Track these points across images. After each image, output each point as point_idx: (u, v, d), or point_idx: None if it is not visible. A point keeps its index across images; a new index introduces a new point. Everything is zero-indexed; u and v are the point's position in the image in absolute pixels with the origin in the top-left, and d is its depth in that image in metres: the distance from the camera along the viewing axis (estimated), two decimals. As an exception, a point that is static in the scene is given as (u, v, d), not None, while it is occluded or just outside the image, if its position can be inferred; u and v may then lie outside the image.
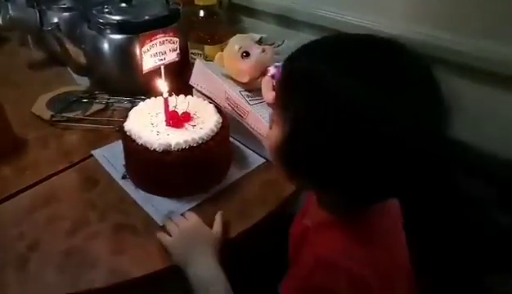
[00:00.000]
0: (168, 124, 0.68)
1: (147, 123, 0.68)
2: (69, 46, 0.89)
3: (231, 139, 0.78)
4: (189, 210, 0.65)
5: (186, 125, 0.68)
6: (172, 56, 0.65)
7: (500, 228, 0.45)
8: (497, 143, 0.57)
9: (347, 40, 0.43)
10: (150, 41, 0.61)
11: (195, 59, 0.89)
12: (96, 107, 0.90)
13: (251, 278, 0.64)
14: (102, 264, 0.56)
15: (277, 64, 0.74)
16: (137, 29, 0.82)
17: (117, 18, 0.85)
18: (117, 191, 0.68)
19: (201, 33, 0.90)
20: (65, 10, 1.00)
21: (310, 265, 0.44)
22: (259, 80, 0.76)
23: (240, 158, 0.77)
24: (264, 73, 0.75)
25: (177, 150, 0.63)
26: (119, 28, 0.84)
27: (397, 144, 0.37)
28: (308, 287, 0.43)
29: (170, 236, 0.59)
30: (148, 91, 0.74)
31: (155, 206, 0.65)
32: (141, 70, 0.63)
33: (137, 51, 0.62)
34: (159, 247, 0.59)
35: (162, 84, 0.65)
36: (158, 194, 0.67)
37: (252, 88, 0.78)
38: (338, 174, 0.40)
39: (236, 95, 0.77)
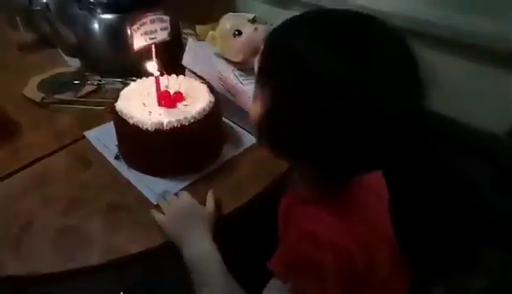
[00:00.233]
0: (160, 104, 0.67)
1: (139, 103, 0.68)
2: (59, 27, 0.88)
3: (224, 119, 0.78)
4: (182, 189, 0.65)
5: (179, 105, 0.68)
6: (163, 35, 0.65)
7: (491, 203, 0.45)
8: (486, 119, 0.58)
9: (327, 16, 0.43)
10: (140, 19, 0.60)
11: (187, 39, 0.88)
12: (87, 88, 0.89)
13: (245, 255, 0.65)
14: (98, 242, 0.57)
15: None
16: (128, 8, 0.81)
17: (107, -3, 0.84)
18: (110, 171, 0.69)
19: (193, 12, 0.89)
20: (54, -11, 0.98)
21: (295, 239, 0.45)
22: (252, 59, 0.76)
23: (233, 137, 0.77)
24: (257, 52, 0.74)
25: (169, 129, 0.63)
26: (109, 7, 0.83)
27: (374, 118, 0.38)
28: (295, 260, 0.44)
29: (164, 214, 0.60)
30: (140, 72, 0.74)
31: (149, 185, 0.66)
32: (132, 50, 0.62)
33: (128, 30, 0.61)
34: (153, 225, 0.59)
35: (153, 64, 0.64)
36: (151, 174, 0.67)
37: (245, 68, 0.78)
38: (317, 148, 0.41)
39: (229, 74, 0.76)
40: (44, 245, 0.56)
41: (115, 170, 0.69)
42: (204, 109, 0.66)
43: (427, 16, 0.75)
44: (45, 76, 0.93)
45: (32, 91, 0.88)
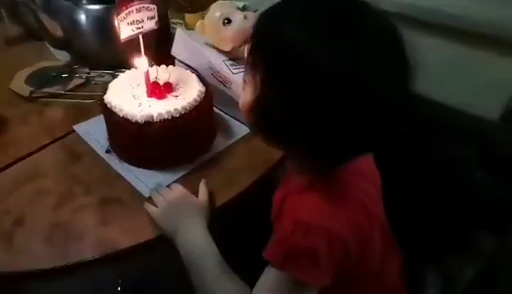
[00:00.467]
0: (149, 95, 0.66)
1: (128, 95, 0.67)
2: (45, 19, 0.86)
3: (215, 109, 0.77)
4: (175, 181, 0.65)
5: (169, 96, 0.67)
6: (150, 24, 0.63)
7: (479, 186, 0.46)
8: (477, 104, 0.58)
9: (316, 0, 0.43)
10: (126, 8, 0.59)
11: (175, 28, 0.87)
12: (76, 81, 0.87)
13: (239, 244, 0.66)
14: (90, 235, 0.57)
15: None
16: (114, -2, 0.79)
17: (92, -13, 0.82)
18: (101, 165, 0.68)
19: (182, 0, 0.87)
20: (38, -20, 0.96)
21: (289, 228, 0.45)
22: (242, 48, 0.75)
23: (225, 127, 0.76)
24: (247, 40, 0.73)
25: (160, 121, 0.62)
26: (94, -3, 0.81)
27: (362, 100, 0.38)
28: (289, 248, 0.44)
29: (157, 207, 0.59)
30: (128, 63, 0.72)
31: (141, 178, 0.65)
32: (119, 40, 0.61)
33: (114, 21, 0.60)
34: (146, 218, 0.59)
35: (141, 54, 0.63)
36: (142, 167, 0.67)
37: (235, 57, 0.77)
38: (307, 131, 0.41)
39: (219, 64, 0.75)
40: (36, 240, 0.56)
41: (106, 163, 0.68)
42: (194, 100, 0.66)
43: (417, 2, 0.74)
44: (32, 70, 0.91)
45: (19, 85, 0.86)
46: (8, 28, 1.10)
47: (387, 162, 0.43)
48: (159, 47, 0.82)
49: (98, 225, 0.58)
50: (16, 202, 0.61)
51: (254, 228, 0.72)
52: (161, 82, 0.68)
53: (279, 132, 0.45)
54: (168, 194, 0.61)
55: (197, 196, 0.61)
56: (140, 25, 0.62)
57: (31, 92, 0.83)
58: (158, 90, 0.67)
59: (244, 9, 0.78)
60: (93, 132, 0.73)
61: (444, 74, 0.70)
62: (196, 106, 0.66)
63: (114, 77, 0.73)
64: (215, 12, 0.74)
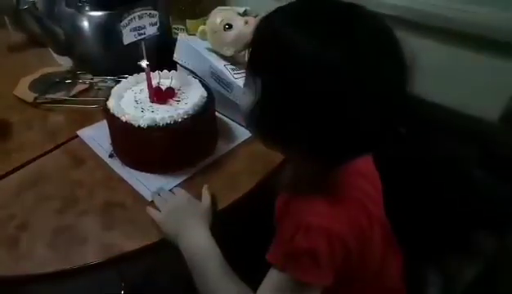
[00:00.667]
0: (152, 100, 0.67)
1: (131, 100, 0.68)
2: (48, 26, 0.87)
3: (217, 113, 0.77)
4: (177, 185, 0.65)
5: (171, 100, 0.68)
6: (152, 30, 0.64)
7: (480, 186, 0.46)
8: (477, 106, 0.59)
9: (313, 4, 0.44)
10: (129, 14, 0.60)
11: (177, 34, 0.88)
12: (79, 87, 0.88)
13: (242, 248, 0.66)
14: (93, 239, 0.57)
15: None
16: (116, 4, 0.80)
17: (95, -6, 0.83)
18: (104, 170, 0.68)
19: (183, 6, 0.88)
20: (42, -13, 0.97)
21: (291, 230, 0.45)
22: (243, 53, 0.75)
23: (227, 132, 0.77)
24: (248, 45, 0.74)
25: (162, 126, 0.63)
26: (97, 4, 0.82)
27: (360, 101, 0.39)
28: (291, 250, 0.45)
29: (159, 211, 0.60)
30: (131, 68, 0.73)
31: (143, 182, 0.66)
32: (122, 46, 0.62)
33: (117, 27, 0.61)
34: (149, 222, 0.59)
35: (144, 60, 0.64)
36: (145, 171, 0.67)
37: (236, 61, 0.77)
38: (307, 133, 0.42)
39: (221, 68, 0.76)
40: (40, 244, 0.56)
41: (109, 168, 0.69)
42: (196, 105, 0.66)
43: (418, 5, 0.75)
44: (36, 76, 0.92)
45: (23, 91, 0.87)
46: (12, 35, 1.11)
47: (387, 163, 0.44)
48: (162, 53, 0.82)
49: (101, 229, 0.59)
50: (20, 207, 0.62)
51: (256, 230, 0.72)
52: (163, 87, 0.69)
53: (280, 134, 0.45)
54: (170, 198, 0.62)
55: (200, 200, 0.62)
56: (142, 31, 0.63)
57: (35, 98, 0.84)
58: (160, 95, 0.67)
59: (244, 14, 0.79)
60: (96, 137, 0.74)
61: (444, 76, 0.71)
62: (198, 111, 0.66)
63: (117, 82, 0.74)
64: (216, 18, 0.75)
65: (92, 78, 0.90)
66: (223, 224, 0.62)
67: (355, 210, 0.46)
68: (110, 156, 0.70)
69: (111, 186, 0.66)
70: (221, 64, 0.77)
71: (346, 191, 0.48)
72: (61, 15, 0.88)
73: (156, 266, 0.70)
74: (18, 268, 0.54)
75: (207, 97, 0.69)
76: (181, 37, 0.83)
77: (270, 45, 0.43)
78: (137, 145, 0.66)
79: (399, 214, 0.44)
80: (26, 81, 0.90)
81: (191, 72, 0.81)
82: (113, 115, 0.65)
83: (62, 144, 0.74)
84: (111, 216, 0.61)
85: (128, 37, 0.62)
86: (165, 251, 0.59)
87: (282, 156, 0.67)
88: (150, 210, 0.60)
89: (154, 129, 0.63)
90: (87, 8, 0.84)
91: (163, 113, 0.63)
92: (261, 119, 0.46)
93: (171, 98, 0.68)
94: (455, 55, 0.74)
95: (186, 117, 0.64)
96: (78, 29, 0.86)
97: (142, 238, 0.58)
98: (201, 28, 0.78)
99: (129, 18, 0.61)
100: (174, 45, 0.83)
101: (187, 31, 0.88)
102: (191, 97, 0.68)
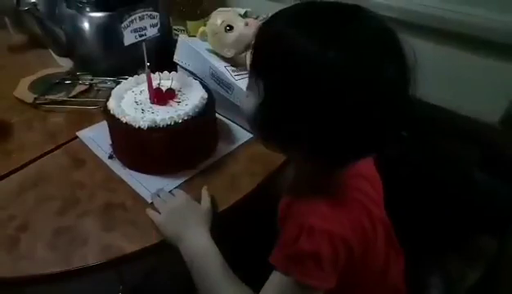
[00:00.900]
0: (152, 101, 0.67)
1: (131, 101, 0.68)
2: (49, 27, 0.87)
3: (217, 115, 0.77)
4: (177, 186, 0.65)
5: (171, 102, 0.68)
6: (153, 32, 0.64)
7: (481, 188, 0.46)
8: (478, 108, 0.59)
9: (315, 6, 0.44)
10: (129, 16, 0.60)
11: (178, 35, 0.88)
12: (79, 88, 0.88)
13: (242, 249, 0.66)
14: (93, 240, 0.57)
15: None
16: (117, 6, 0.80)
17: (95, -5, 0.83)
18: (104, 171, 0.68)
19: (183, 7, 0.88)
20: (42, -12, 0.97)
21: (294, 233, 0.45)
22: (244, 54, 0.75)
23: (227, 133, 0.77)
24: (248, 47, 0.74)
25: (163, 127, 0.63)
26: (97, 5, 0.82)
27: (362, 102, 0.39)
28: (293, 252, 0.44)
29: (159, 213, 0.60)
30: (131, 69, 0.74)
31: (143, 184, 0.65)
32: (123, 47, 0.62)
33: (117, 28, 0.61)
34: (149, 223, 0.59)
35: (144, 61, 0.64)
36: (145, 172, 0.67)
37: (237, 63, 0.77)
38: (310, 133, 0.42)
39: (222, 70, 0.76)
40: (40, 245, 0.56)
41: (109, 169, 0.68)
42: (197, 106, 0.66)
43: (415, 7, 0.75)
44: (36, 77, 0.92)
45: (23, 92, 0.87)
46: (12, 36, 1.11)
47: (388, 164, 0.44)
48: (162, 54, 0.82)
49: (101, 230, 0.59)
50: (21, 208, 0.62)
51: (257, 232, 0.72)
52: (164, 89, 0.69)
53: (282, 135, 0.45)
54: (170, 200, 0.62)
55: (200, 202, 0.62)
56: (143, 32, 0.63)
57: (35, 99, 0.84)
58: (161, 96, 0.67)
59: (245, 16, 0.79)
60: (96, 138, 0.74)
61: (444, 78, 0.71)
62: (199, 112, 0.66)
63: (117, 83, 0.74)
64: (217, 19, 0.75)
65: (91, 79, 0.90)
66: (223, 226, 0.62)
67: (357, 212, 0.46)
68: (110, 157, 0.70)
69: (111, 187, 0.65)
70: (221, 66, 0.77)
71: (348, 193, 0.48)
72: (62, 16, 0.88)
73: (156, 267, 0.70)
74: (18, 269, 0.54)
75: (207, 98, 0.69)
76: (182, 39, 0.83)
77: (272, 47, 0.43)
78: (137, 147, 0.66)
79: (400, 216, 0.44)
80: (26, 82, 0.90)
81: (192, 73, 0.81)
82: (113, 116, 0.65)
83: (62, 145, 0.74)
84: (111, 217, 0.61)
85: (129, 39, 0.62)
86: (165, 252, 0.59)
87: (282, 158, 0.67)
88: (150, 212, 0.60)
89: (154, 130, 0.63)
90: (87, 9, 0.84)
91: (164, 115, 0.63)
92: (264, 121, 0.46)
93: (171, 99, 0.68)
94: (455, 57, 0.74)
95: (186, 118, 0.64)
96: (78, 30, 0.86)
97: (142, 240, 0.57)
98: (202, 29, 0.78)
99: (130, 19, 0.61)
100: (175, 46, 0.83)
101: (188, 32, 0.88)
102: (192, 98, 0.68)
